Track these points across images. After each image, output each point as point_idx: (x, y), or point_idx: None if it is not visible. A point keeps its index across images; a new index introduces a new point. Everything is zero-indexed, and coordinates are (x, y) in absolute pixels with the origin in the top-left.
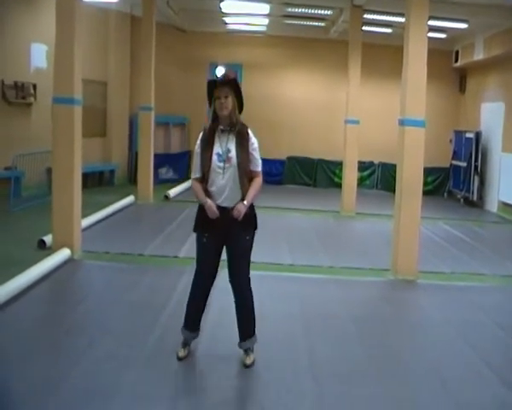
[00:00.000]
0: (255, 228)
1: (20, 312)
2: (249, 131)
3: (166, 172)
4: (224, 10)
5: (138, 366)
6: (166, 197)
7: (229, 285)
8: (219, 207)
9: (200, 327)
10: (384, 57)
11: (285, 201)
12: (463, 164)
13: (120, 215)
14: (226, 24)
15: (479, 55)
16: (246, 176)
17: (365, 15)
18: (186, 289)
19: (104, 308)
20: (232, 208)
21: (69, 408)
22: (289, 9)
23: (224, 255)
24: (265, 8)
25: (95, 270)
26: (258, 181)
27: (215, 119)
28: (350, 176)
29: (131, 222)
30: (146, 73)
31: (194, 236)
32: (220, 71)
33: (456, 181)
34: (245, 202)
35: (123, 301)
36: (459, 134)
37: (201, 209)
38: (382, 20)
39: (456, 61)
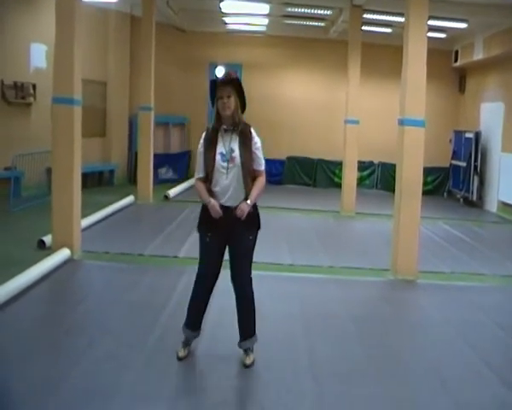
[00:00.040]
0: (258, 228)
1: (19, 312)
2: (252, 131)
3: (166, 172)
4: (223, 10)
5: (138, 366)
6: (166, 197)
7: (230, 285)
8: (223, 207)
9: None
10: (384, 57)
11: (285, 201)
12: (463, 164)
13: (120, 215)
14: (226, 24)
15: (478, 55)
16: (249, 175)
17: (365, 15)
18: (186, 290)
19: (104, 308)
20: (235, 208)
21: (69, 408)
22: (289, 9)
23: (226, 255)
24: (265, 8)
25: (94, 270)
26: (261, 180)
27: (218, 119)
28: (350, 176)
29: (131, 222)
30: (146, 73)
31: (194, 236)
32: (220, 71)
33: (455, 181)
34: (248, 202)
35: (123, 301)
36: (459, 134)
37: (205, 209)
38: (382, 20)
39: (456, 60)
